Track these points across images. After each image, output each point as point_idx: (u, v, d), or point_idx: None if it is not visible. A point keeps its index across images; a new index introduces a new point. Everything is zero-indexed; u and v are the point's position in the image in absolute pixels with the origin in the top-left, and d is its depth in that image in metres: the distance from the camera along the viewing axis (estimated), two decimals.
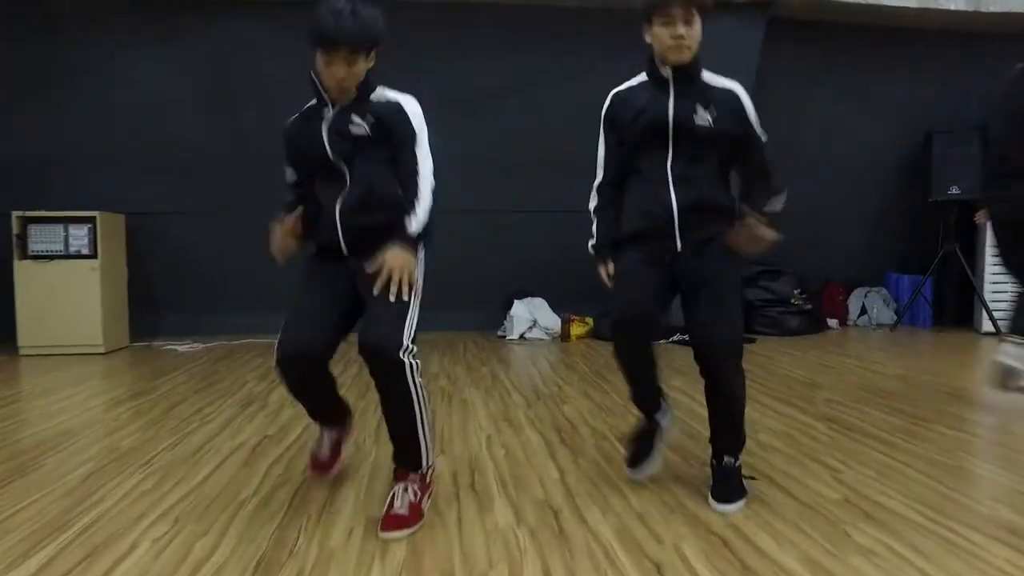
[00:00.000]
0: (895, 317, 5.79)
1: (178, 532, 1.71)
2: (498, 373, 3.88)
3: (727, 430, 1.93)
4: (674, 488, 2.02)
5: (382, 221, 1.78)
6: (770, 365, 4.07)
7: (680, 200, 1.85)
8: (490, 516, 1.82)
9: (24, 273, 4.46)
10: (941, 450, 2.39)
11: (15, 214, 4.45)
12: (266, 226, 1.88)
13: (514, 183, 5.39)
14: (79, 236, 4.54)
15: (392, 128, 1.80)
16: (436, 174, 1.81)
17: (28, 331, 4.47)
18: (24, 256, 4.47)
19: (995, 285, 5.32)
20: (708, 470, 1.99)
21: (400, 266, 1.67)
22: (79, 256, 4.53)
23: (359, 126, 1.79)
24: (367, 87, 1.81)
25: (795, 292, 5.50)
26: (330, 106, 1.81)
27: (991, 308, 5.24)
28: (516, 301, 5.39)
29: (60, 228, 4.52)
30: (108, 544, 1.64)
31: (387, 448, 2.43)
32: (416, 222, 1.74)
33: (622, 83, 1.99)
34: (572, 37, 4.85)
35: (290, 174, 1.97)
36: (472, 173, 5.30)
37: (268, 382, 3.58)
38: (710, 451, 1.97)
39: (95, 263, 4.54)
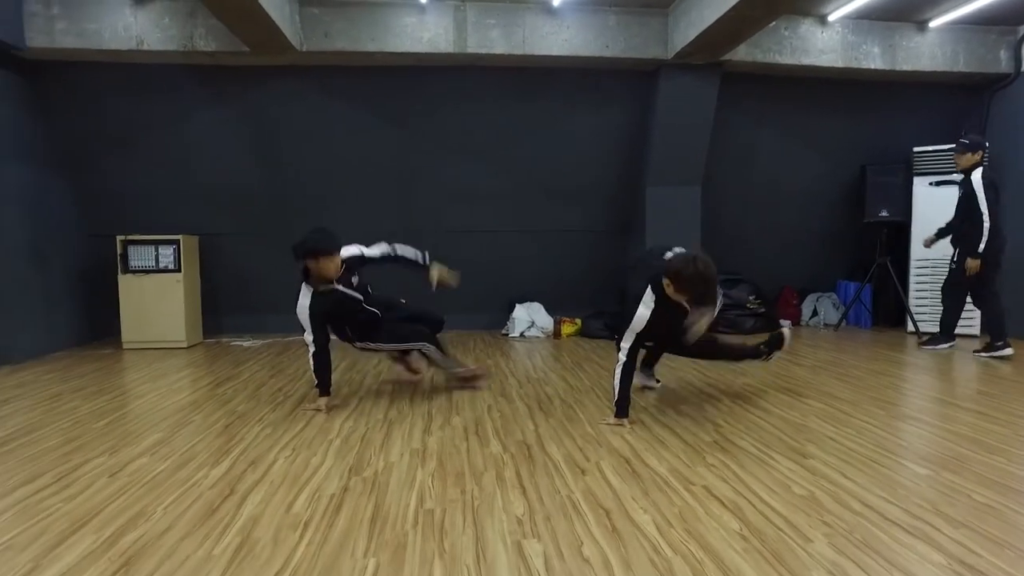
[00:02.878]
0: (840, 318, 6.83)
1: (298, 454, 2.84)
2: (500, 363, 4.98)
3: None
4: (607, 435, 3.11)
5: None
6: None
7: None
8: (487, 448, 2.93)
9: (125, 285, 5.64)
10: (800, 415, 3.46)
11: (118, 238, 5.62)
12: None
13: (515, 209, 6.48)
14: (167, 255, 5.71)
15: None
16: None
17: (129, 329, 5.66)
18: (126, 271, 5.64)
19: (919, 292, 6.35)
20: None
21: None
22: (167, 271, 5.70)
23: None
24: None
25: (750, 297, 6.54)
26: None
27: (913, 313, 6.28)
28: (517, 305, 6.50)
29: (152, 248, 5.69)
30: (260, 459, 2.77)
31: (421, 410, 3.56)
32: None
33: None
34: (557, 91, 5.93)
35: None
36: (480, 201, 6.43)
37: None
38: None
39: (179, 276, 5.70)
